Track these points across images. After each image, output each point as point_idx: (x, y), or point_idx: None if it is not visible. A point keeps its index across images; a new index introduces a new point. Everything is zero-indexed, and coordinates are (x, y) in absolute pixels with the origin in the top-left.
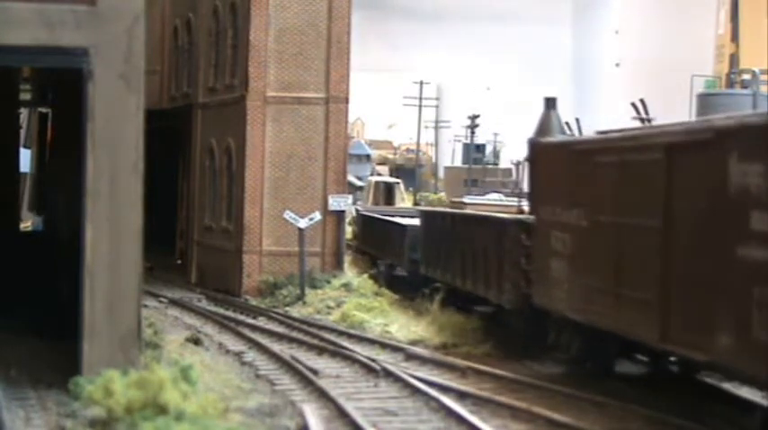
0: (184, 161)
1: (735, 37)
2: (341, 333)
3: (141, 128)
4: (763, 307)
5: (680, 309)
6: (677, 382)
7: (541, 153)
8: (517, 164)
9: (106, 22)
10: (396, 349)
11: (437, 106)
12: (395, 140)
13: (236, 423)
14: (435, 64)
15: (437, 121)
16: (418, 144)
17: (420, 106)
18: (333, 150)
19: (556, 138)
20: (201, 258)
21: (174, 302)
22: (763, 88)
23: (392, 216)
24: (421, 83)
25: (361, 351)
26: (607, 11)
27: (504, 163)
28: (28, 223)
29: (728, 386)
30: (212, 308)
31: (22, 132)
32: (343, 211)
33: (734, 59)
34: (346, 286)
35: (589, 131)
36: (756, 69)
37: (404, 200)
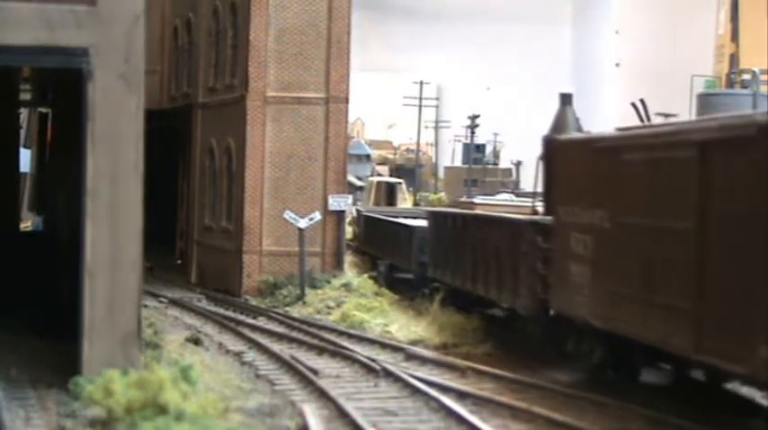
0: (184, 161)
1: (735, 37)
2: (341, 333)
3: (141, 128)
4: None
5: (716, 318)
6: (702, 391)
7: (560, 151)
8: (517, 164)
9: (106, 23)
10: (396, 349)
11: (437, 106)
12: (395, 140)
13: (236, 423)
14: (435, 64)
15: (437, 121)
16: (418, 144)
17: (420, 106)
18: (333, 150)
19: (577, 135)
20: (201, 258)
21: (174, 302)
22: (763, 88)
23: (397, 217)
24: (421, 83)
25: (361, 351)
26: (607, 11)
27: (505, 163)
28: (28, 223)
29: (760, 398)
30: (212, 308)
31: (22, 132)
32: (343, 211)
33: (734, 59)
34: (346, 286)
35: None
36: (756, 69)
37: (405, 200)
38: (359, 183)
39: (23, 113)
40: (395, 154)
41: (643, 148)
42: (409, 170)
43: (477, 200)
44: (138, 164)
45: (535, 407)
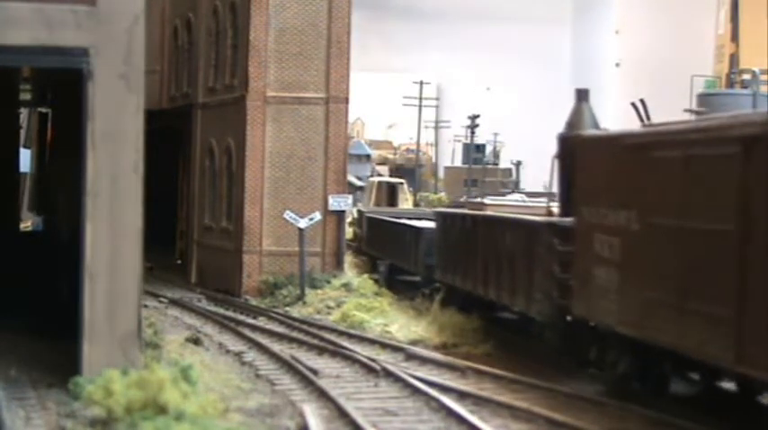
0: (184, 161)
1: (735, 37)
2: (341, 333)
3: (141, 128)
4: None
5: (760, 327)
6: (732, 403)
7: (583, 148)
8: (517, 164)
9: (106, 22)
10: (396, 349)
11: (437, 106)
12: (395, 140)
13: (236, 423)
14: (435, 64)
15: (437, 121)
16: (418, 144)
17: (420, 106)
18: (333, 150)
19: (602, 131)
20: (201, 258)
21: (174, 302)
22: (763, 88)
23: (402, 218)
24: (421, 83)
25: (361, 351)
26: (607, 11)
27: (505, 163)
28: (28, 223)
29: None
30: (212, 308)
31: (22, 132)
32: (343, 211)
33: (734, 59)
34: (346, 286)
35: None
36: (756, 69)
37: (407, 200)
38: (359, 183)
39: (23, 113)
40: (395, 154)
41: (677, 145)
42: (409, 170)
43: (487, 200)
44: (138, 164)
45: (535, 407)
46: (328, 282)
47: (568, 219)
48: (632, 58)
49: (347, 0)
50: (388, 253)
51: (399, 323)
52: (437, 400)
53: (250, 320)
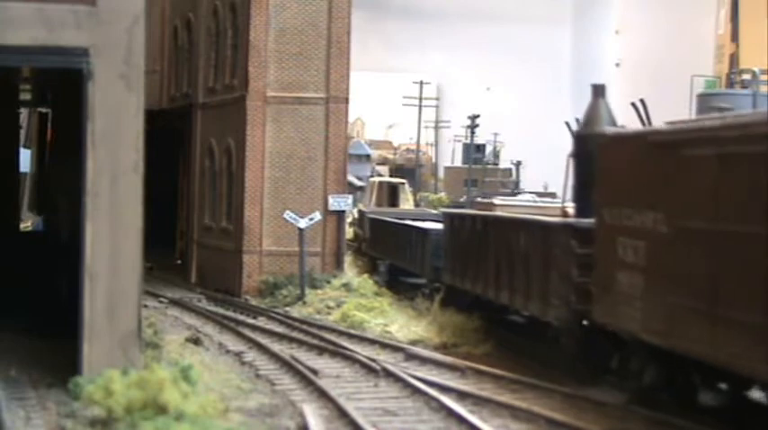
0: (184, 161)
1: (735, 37)
2: (341, 333)
3: (141, 128)
4: None
5: None
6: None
7: (604, 147)
8: (517, 164)
9: (106, 22)
10: (396, 349)
11: (437, 106)
12: (395, 140)
13: (236, 423)
14: (435, 64)
15: (437, 121)
16: (418, 144)
17: (420, 106)
18: (333, 150)
19: (626, 128)
20: (201, 258)
21: (174, 302)
22: (763, 88)
23: (406, 219)
24: (421, 83)
25: (361, 351)
26: (607, 11)
27: (505, 163)
28: (28, 223)
29: None
30: (212, 308)
31: (22, 132)
32: (343, 211)
33: (734, 59)
34: (346, 286)
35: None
36: (756, 69)
37: (408, 201)
38: (359, 183)
39: (23, 113)
40: (395, 154)
41: (710, 143)
42: (409, 170)
43: (497, 200)
44: (138, 164)
45: (535, 407)
46: (328, 282)
47: (587, 220)
48: (632, 58)
49: (347, 0)
50: (393, 255)
51: (399, 323)
52: (437, 400)
53: (250, 320)
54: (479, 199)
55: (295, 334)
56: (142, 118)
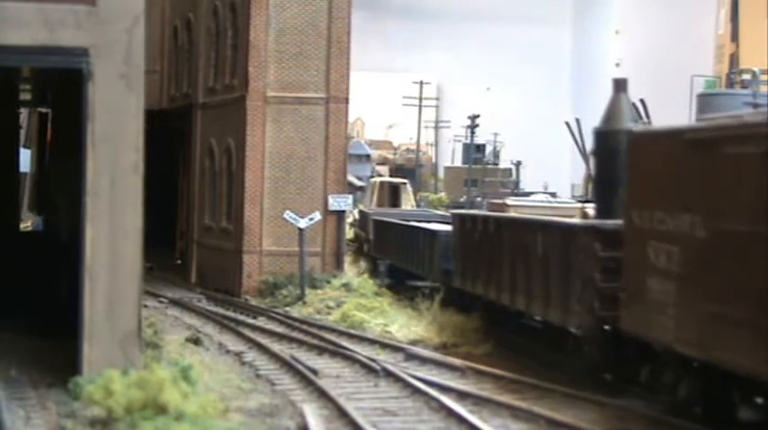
0: (184, 161)
1: (735, 37)
2: (341, 333)
3: (141, 128)
4: None
5: None
6: None
7: (634, 145)
8: (517, 164)
9: (106, 22)
10: (396, 349)
11: (437, 106)
12: (395, 140)
13: (236, 423)
14: (435, 64)
15: (437, 121)
16: (418, 144)
17: (420, 106)
18: (333, 150)
19: (658, 125)
20: (201, 258)
21: (174, 302)
22: (763, 88)
23: (411, 220)
24: (421, 83)
25: (361, 351)
26: (607, 11)
27: (505, 163)
28: (28, 223)
29: None
30: (212, 308)
31: (22, 132)
32: (343, 211)
33: (734, 59)
34: (346, 286)
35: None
36: (756, 69)
37: (410, 202)
38: (359, 183)
39: (23, 113)
40: (395, 154)
41: (755, 140)
42: (409, 170)
43: (509, 201)
44: (138, 164)
45: (535, 407)
46: (328, 282)
47: (612, 222)
48: (632, 58)
49: (347, 0)
50: (399, 258)
51: (399, 323)
52: (437, 400)
53: (250, 320)
54: (491, 199)
55: (295, 334)
56: (142, 118)
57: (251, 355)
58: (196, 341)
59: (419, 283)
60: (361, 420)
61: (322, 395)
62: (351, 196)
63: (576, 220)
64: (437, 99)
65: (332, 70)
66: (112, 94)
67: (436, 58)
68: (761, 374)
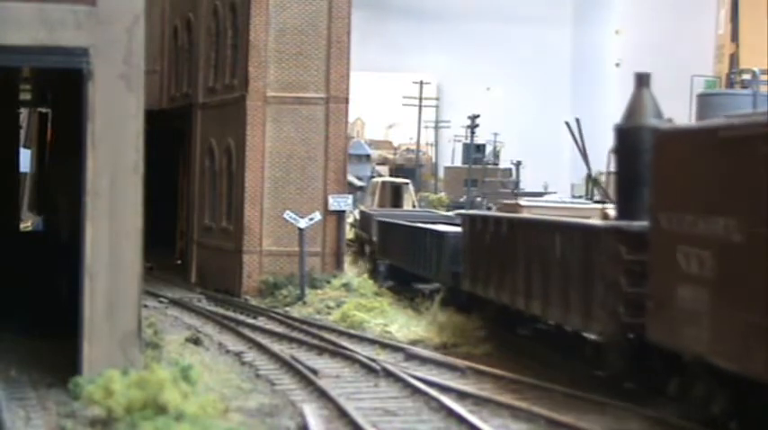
0: (184, 161)
1: (735, 37)
2: (341, 333)
3: (141, 128)
4: None
5: None
6: None
7: (661, 143)
8: (517, 164)
9: (106, 22)
10: (396, 349)
11: (437, 106)
12: (395, 140)
13: (236, 423)
14: (435, 64)
15: (437, 121)
16: (418, 144)
17: (420, 106)
18: (333, 150)
19: (688, 122)
20: (201, 258)
21: (174, 302)
22: (763, 88)
23: (417, 221)
24: (421, 83)
25: (361, 351)
26: (607, 11)
27: (505, 163)
28: (28, 223)
29: None
30: (212, 308)
31: (22, 132)
32: (343, 211)
33: (734, 59)
34: (346, 286)
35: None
36: (756, 69)
37: (413, 202)
38: (359, 183)
39: (23, 113)
40: (395, 154)
41: None
42: (409, 170)
43: (522, 202)
44: (138, 164)
45: (535, 407)
46: (328, 282)
47: (638, 224)
48: (632, 58)
49: (347, 0)
50: (404, 260)
51: (399, 323)
52: (437, 400)
53: (250, 320)
54: (503, 200)
55: (295, 334)
56: (142, 118)
57: (251, 355)
58: (196, 341)
59: (427, 287)
60: (361, 420)
61: (322, 395)
62: (351, 196)
63: (598, 221)
64: (437, 99)
65: (332, 70)
66: (112, 93)
67: (436, 58)
68: None
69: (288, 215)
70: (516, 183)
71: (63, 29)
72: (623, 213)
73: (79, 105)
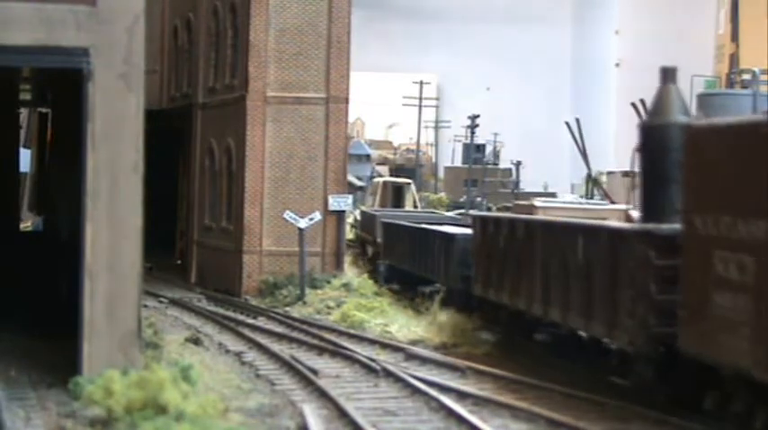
0: (184, 161)
1: (735, 37)
2: (341, 333)
3: (141, 128)
4: None
5: None
6: None
7: (694, 141)
8: (517, 164)
9: (106, 22)
10: (396, 349)
11: (437, 106)
12: (395, 140)
13: (236, 423)
14: (435, 64)
15: (437, 121)
16: (418, 144)
17: (420, 106)
18: (333, 150)
19: (724, 119)
20: (201, 258)
21: (174, 302)
22: (763, 88)
23: (423, 222)
24: (421, 83)
25: (362, 351)
26: (607, 11)
27: (505, 163)
28: (28, 223)
29: None
30: (212, 308)
31: (22, 132)
32: (343, 211)
33: (734, 59)
34: (346, 286)
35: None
36: (756, 69)
37: (415, 202)
38: (359, 183)
39: (23, 113)
40: (395, 154)
41: None
42: (409, 170)
43: (537, 202)
44: (138, 164)
45: (535, 407)
46: (328, 282)
47: (668, 227)
48: (632, 58)
49: (347, 0)
50: (411, 263)
51: (399, 323)
52: (437, 400)
53: (250, 320)
54: (517, 201)
55: (295, 334)
56: (142, 118)
57: (251, 355)
58: (196, 341)
59: (427, 287)
60: (361, 420)
61: (322, 395)
62: (351, 196)
63: (627, 224)
64: (437, 99)
65: (332, 70)
66: (112, 93)
67: (436, 58)
68: None
69: (288, 215)
70: (516, 183)
71: (63, 29)
72: (649, 215)
73: (79, 105)
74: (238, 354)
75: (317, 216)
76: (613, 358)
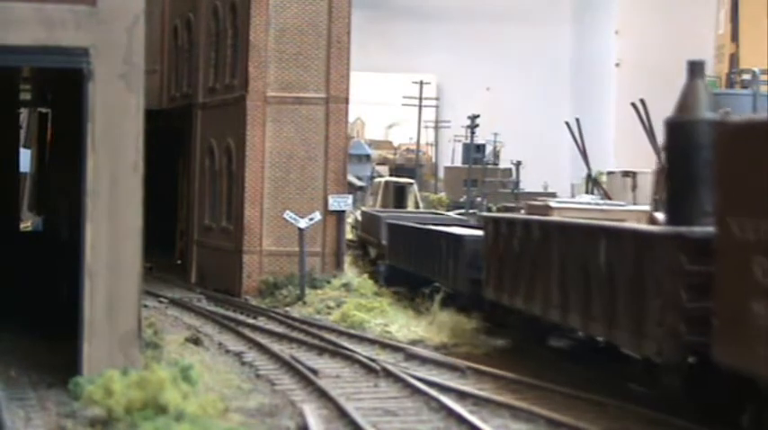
0: (184, 161)
1: (735, 37)
2: (341, 333)
3: (141, 128)
4: None
5: None
6: None
7: (728, 139)
8: (517, 164)
9: (106, 22)
10: (396, 349)
11: (437, 106)
12: (395, 140)
13: (236, 423)
14: (435, 64)
15: (437, 121)
16: (418, 144)
17: (420, 106)
18: (333, 150)
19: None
20: (201, 258)
21: (174, 302)
22: (763, 88)
23: (428, 224)
24: (421, 83)
25: (362, 351)
26: (607, 11)
27: (505, 163)
28: (28, 223)
29: None
30: (212, 308)
31: (22, 132)
32: (343, 211)
33: (734, 59)
34: (346, 286)
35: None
36: (756, 69)
37: (417, 203)
38: (359, 183)
39: (23, 113)
40: (395, 154)
41: None
42: (409, 170)
43: (553, 203)
44: (138, 164)
45: (535, 407)
46: (328, 282)
47: (700, 230)
48: (632, 58)
49: (347, 0)
50: (417, 265)
51: (399, 323)
52: (437, 400)
53: (250, 320)
54: (531, 201)
55: (295, 334)
56: (142, 118)
57: (251, 355)
58: (196, 341)
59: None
60: (361, 420)
61: (322, 395)
62: (351, 196)
63: (655, 227)
64: (437, 99)
65: (332, 70)
66: (112, 93)
67: (436, 58)
68: None
69: (288, 215)
70: (516, 183)
71: (63, 29)
72: (676, 217)
73: (79, 105)
74: (238, 354)
75: (317, 216)
76: (637, 366)
